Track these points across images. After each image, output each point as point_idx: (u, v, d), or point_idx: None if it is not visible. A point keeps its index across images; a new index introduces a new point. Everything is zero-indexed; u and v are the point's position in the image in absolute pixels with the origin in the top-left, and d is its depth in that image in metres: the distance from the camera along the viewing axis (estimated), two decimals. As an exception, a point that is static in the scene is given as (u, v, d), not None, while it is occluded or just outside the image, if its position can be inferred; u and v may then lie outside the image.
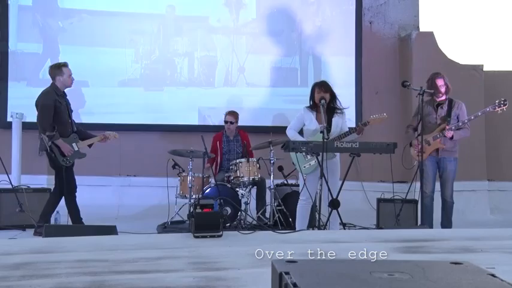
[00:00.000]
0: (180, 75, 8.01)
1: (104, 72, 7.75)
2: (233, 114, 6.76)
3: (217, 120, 7.60)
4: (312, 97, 5.23)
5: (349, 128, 5.23)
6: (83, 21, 7.83)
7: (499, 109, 5.54)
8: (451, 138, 5.61)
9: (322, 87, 5.17)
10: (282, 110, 7.77)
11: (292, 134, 5.25)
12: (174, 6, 7.98)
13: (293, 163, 5.35)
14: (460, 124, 5.60)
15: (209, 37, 8.01)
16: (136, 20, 7.92)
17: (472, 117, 5.58)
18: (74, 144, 5.77)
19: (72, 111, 5.94)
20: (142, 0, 7.96)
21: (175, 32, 8.03)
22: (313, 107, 5.23)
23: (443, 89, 5.69)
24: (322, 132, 4.83)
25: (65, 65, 5.83)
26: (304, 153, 5.05)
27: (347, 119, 5.38)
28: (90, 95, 7.71)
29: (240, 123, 6.85)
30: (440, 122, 5.71)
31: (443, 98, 5.74)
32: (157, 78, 7.96)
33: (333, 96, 5.19)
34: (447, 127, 5.62)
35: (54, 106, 5.65)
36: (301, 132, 5.30)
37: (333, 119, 5.15)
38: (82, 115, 7.53)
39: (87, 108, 7.64)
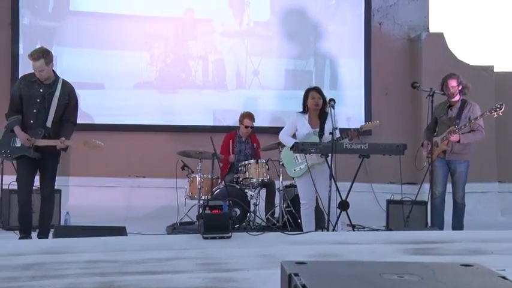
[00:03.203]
0: (194, 78, 8.01)
1: (119, 74, 7.76)
2: (252, 118, 6.73)
3: (232, 122, 7.57)
4: (305, 102, 5.31)
5: (341, 133, 5.21)
6: (99, 24, 7.84)
7: (494, 113, 5.45)
8: (458, 141, 5.53)
9: (318, 92, 5.29)
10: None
11: (285, 140, 5.30)
12: (192, 9, 7.98)
13: (282, 164, 5.45)
14: (463, 127, 5.50)
15: (223, 40, 8.00)
16: (152, 23, 7.92)
17: (472, 120, 5.49)
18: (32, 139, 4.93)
19: (54, 103, 4.98)
20: (158, 4, 7.96)
21: (189, 35, 8.04)
22: (305, 111, 5.32)
23: (455, 90, 5.59)
24: (331, 133, 4.86)
25: (31, 57, 4.90)
26: (295, 156, 5.11)
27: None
28: (105, 97, 7.74)
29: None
30: (450, 123, 5.63)
31: (456, 98, 5.63)
32: (172, 81, 7.96)
33: (325, 103, 5.25)
34: (452, 129, 5.53)
35: (18, 94, 5.03)
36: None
37: (326, 125, 5.21)
38: (97, 117, 7.60)
39: (102, 110, 7.67)
